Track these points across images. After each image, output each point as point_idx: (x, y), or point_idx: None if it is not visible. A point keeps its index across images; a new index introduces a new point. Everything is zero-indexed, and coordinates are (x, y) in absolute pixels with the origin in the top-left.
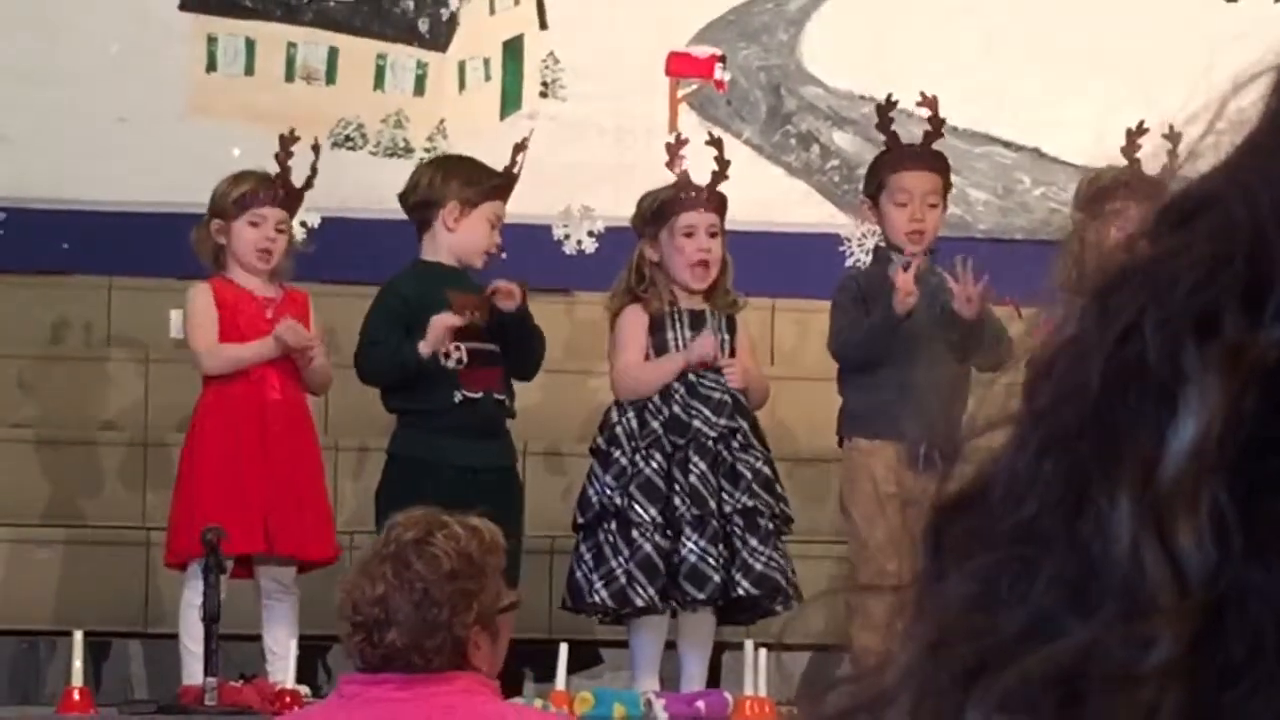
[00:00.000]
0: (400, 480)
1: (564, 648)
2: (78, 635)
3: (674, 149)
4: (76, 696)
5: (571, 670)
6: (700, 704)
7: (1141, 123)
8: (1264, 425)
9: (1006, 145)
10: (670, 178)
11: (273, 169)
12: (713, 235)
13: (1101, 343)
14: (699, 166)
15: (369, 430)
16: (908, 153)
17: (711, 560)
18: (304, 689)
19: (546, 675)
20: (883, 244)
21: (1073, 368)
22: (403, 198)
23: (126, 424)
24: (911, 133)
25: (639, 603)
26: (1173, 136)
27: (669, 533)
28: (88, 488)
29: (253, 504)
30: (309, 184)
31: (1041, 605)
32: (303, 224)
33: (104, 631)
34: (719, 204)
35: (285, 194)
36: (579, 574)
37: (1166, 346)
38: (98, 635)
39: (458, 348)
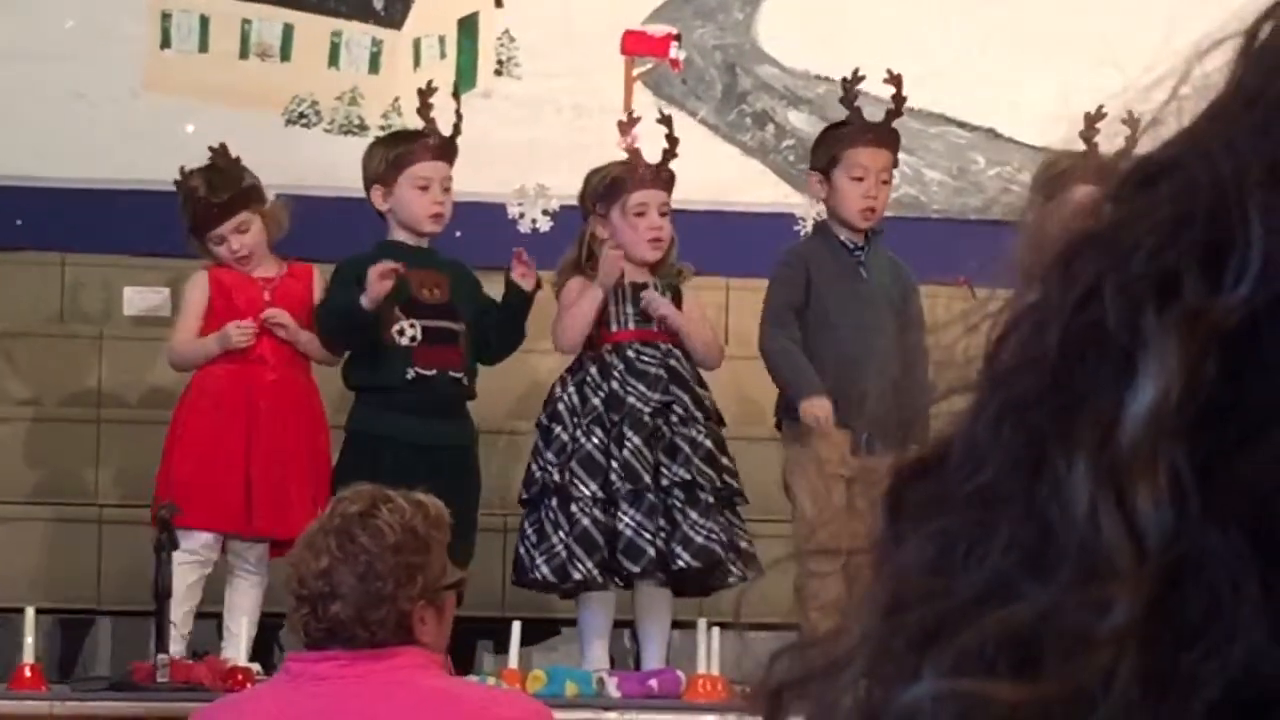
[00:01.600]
0: (356, 456)
1: (517, 625)
2: (30, 611)
3: (626, 126)
4: (29, 673)
5: (525, 647)
6: (653, 682)
7: (1100, 107)
8: (1222, 389)
9: (961, 125)
10: (622, 155)
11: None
12: (663, 213)
13: (1062, 307)
14: (648, 144)
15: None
16: (868, 129)
17: (647, 533)
18: (256, 666)
19: (500, 652)
20: (828, 220)
21: (1033, 332)
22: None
23: (81, 401)
24: (868, 111)
25: (577, 576)
26: (1131, 121)
27: (610, 508)
28: (39, 463)
29: (229, 483)
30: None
31: (998, 569)
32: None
33: (58, 609)
34: (668, 182)
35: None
36: (522, 549)
37: (1126, 310)
38: (52, 612)
39: (412, 324)
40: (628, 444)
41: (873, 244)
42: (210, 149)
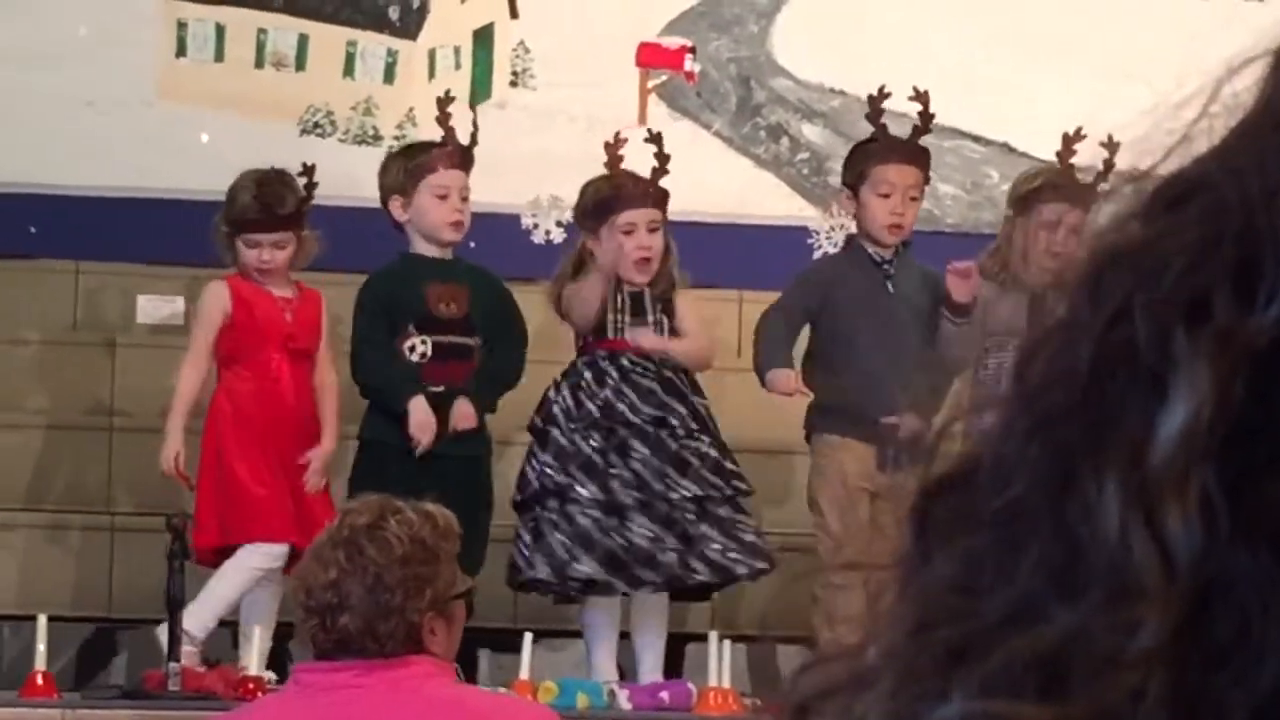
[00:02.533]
0: (369, 465)
1: (528, 636)
2: (42, 620)
3: (613, 148)
4: (40, 681)
5: (534, 659)
6: (664, 694)
7: (1079, 129)
8: (1252, 410)
9: (976, 139)
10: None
11: (240, 156)
12: (653, 230)
13: (1091, 326)
14: (644, 160)
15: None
16: (895, 146)
17: (666, 543)
18: (270, 675)
19: (509, 663)
20: (857, 235)
21: (1062, 350)
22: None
23: (93, 410)
24: (892, 128)
25: (578, 575)
26: (1110, 145)
27: (610, 514)
28: (52, 472)
29: (282, 494)
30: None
31: (1027, 588)
32: None
33: (70, 617)
34: (659, 198)
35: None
36: (516, 549)
37: (1156, 331)
38: (63, 620)
39: (424, 341)
40: (634, 453)
41: (901, 257)
42: (278, 168)
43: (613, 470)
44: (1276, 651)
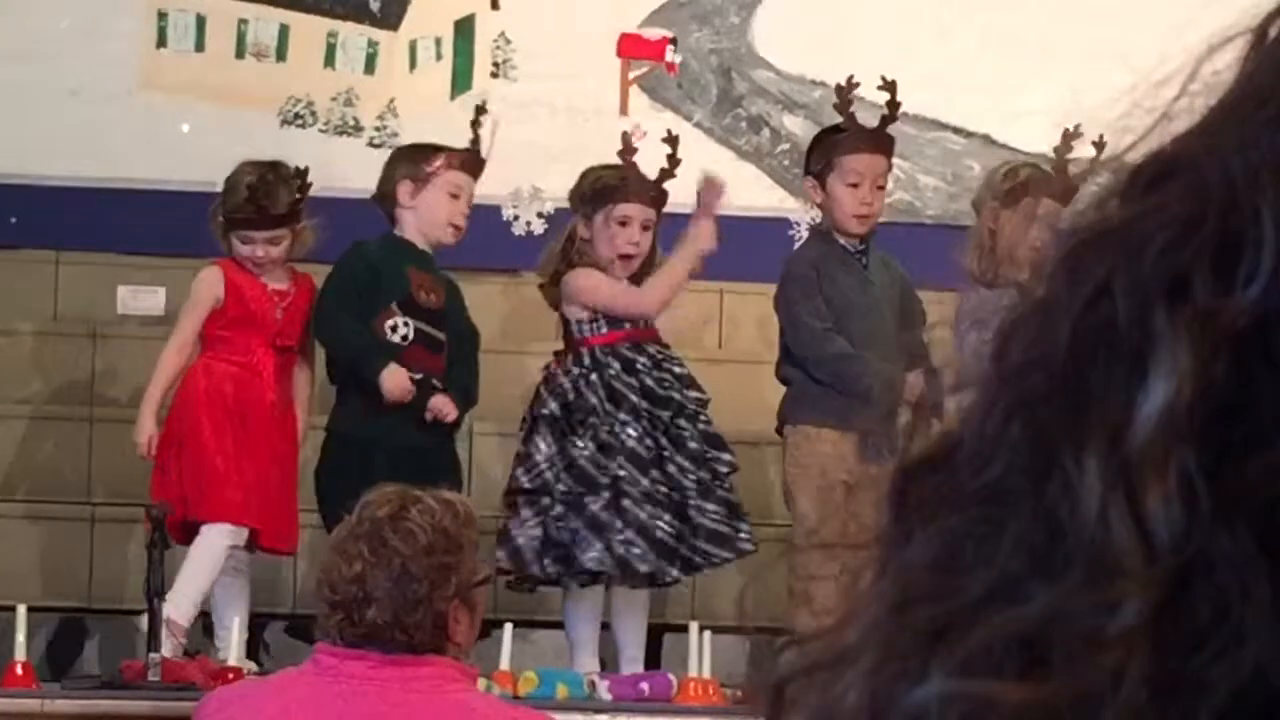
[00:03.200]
0: (339, 457)
1: (508, 627)
2: (21, 609)
3: (628, 139)
4: (20, 671)
5: (515, 649)
6: (644, 685)
7: (1078, 126)
8: (1233, 391)
9: (957, 131)
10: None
11: (221, 147)
12: (645, 229)
13: (1071, 305)
14: (652, 155)
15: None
16: (862, 135)
17: (660, 533)
18: (250, 665)
19: (489, 652)
20: (822, 226)
21: (1042, 330)
22: (376, 199)
23: (74, 400)
24: (862, 117)
25: (590, 564)
26: (1099, 145)
27: (622, 502)
28: (33, 463)
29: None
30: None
31: (1007, 568)
32: None
33: (49, 607)
34: (659, 200)
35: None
36: (527, 541)
37: (1137, 309)
38: (43, 610)
39: (406, 323)
40: (629, 440)
41: (869, 245)
42: (277, 161)
43: (617, 460)
44: (1256, 632)
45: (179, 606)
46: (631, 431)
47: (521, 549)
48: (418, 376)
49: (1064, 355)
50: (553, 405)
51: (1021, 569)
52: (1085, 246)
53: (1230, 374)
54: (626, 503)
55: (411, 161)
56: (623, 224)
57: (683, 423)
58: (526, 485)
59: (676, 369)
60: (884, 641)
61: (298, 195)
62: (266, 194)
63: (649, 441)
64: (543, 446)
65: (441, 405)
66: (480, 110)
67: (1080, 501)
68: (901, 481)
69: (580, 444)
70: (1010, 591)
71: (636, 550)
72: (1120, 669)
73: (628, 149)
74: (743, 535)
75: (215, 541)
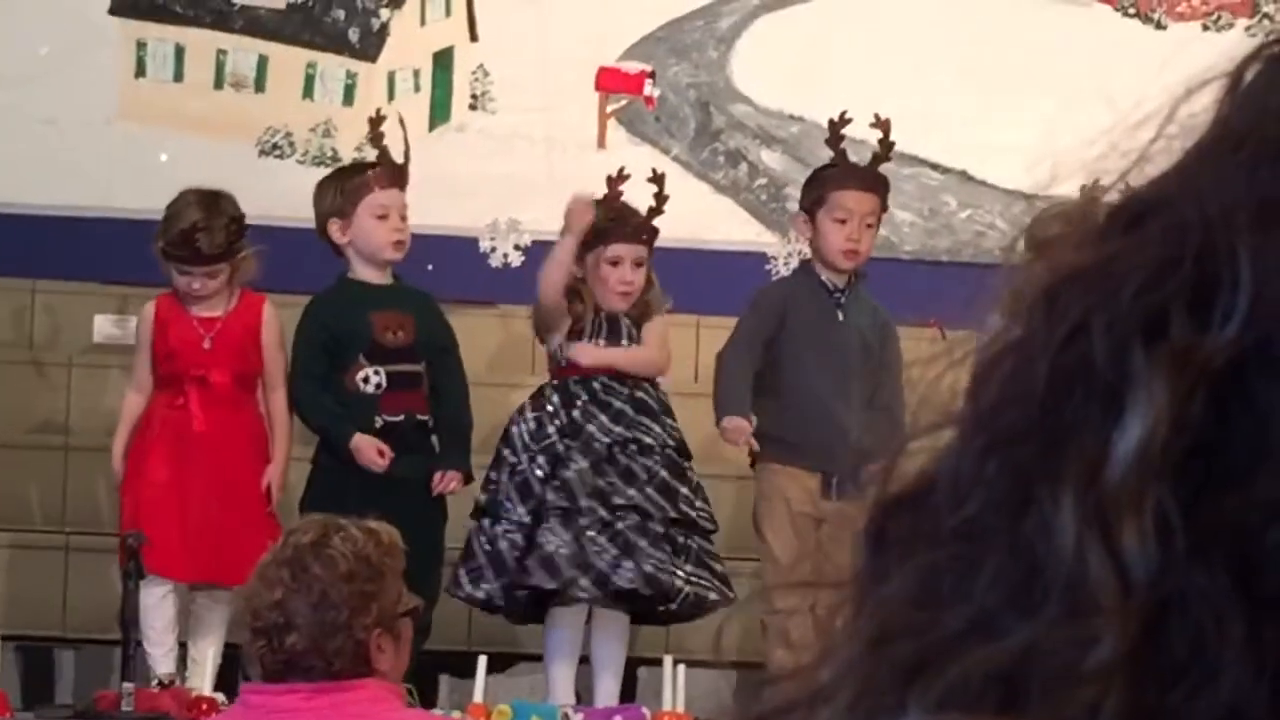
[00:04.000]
0: (323, 489)
1: (483, 660)
2: None
3: (614, 183)
4: None
5: (489, 682)
6: (618, 718)
7: (1097, 180)
8: (1209, 429)
9: (934, 167)
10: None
11: (199, 176)
12: (637, 266)
13: (1048, 343)
14: (634, 192)
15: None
16: (854, 172)
17: (565, 552)
18: (221, 697)
19: (463, 685)
20: (811, 260)
21: (1019, 368)
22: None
23: (49, 428)
24: (852, 154)
25: (479, 595)
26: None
27: (530, 531)
28: (7, 491)
29: (176, 531)
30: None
31: (984, 604)
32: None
33: (23, 635)
34: (650, 237)
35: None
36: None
37: (1113, 348)
38: (17, 639)
39: (377, 372)
40: (573, 464)
41: (854, 287)
42: (219, 193)
43: (554, 483)
44: (1231, 667)
45: (156, 657)
46: (539, 465)
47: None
48: (397, 419)
49: (1041, 393)
50: (501, 443)
51: (999, 604)
52: (1062, 286)
53: (1206, 412)
54: (497, 529)
55: (330, 197)
56: (614, 264)
57: (575, 455)
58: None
59: (615, 403)
60: (861, 677)
61: (237, 229)
62: (203, 234)
63: (551, 473)
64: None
65: (446, 484)
66: (376, 121)
67: (1057, 538)
68: (879, 519)
69: (491, 474)
70: (988, 627)
71: (483, 579)
72: (1097, 704)
73: (613, 193)
74: (565, 574)
75: (148, 597)
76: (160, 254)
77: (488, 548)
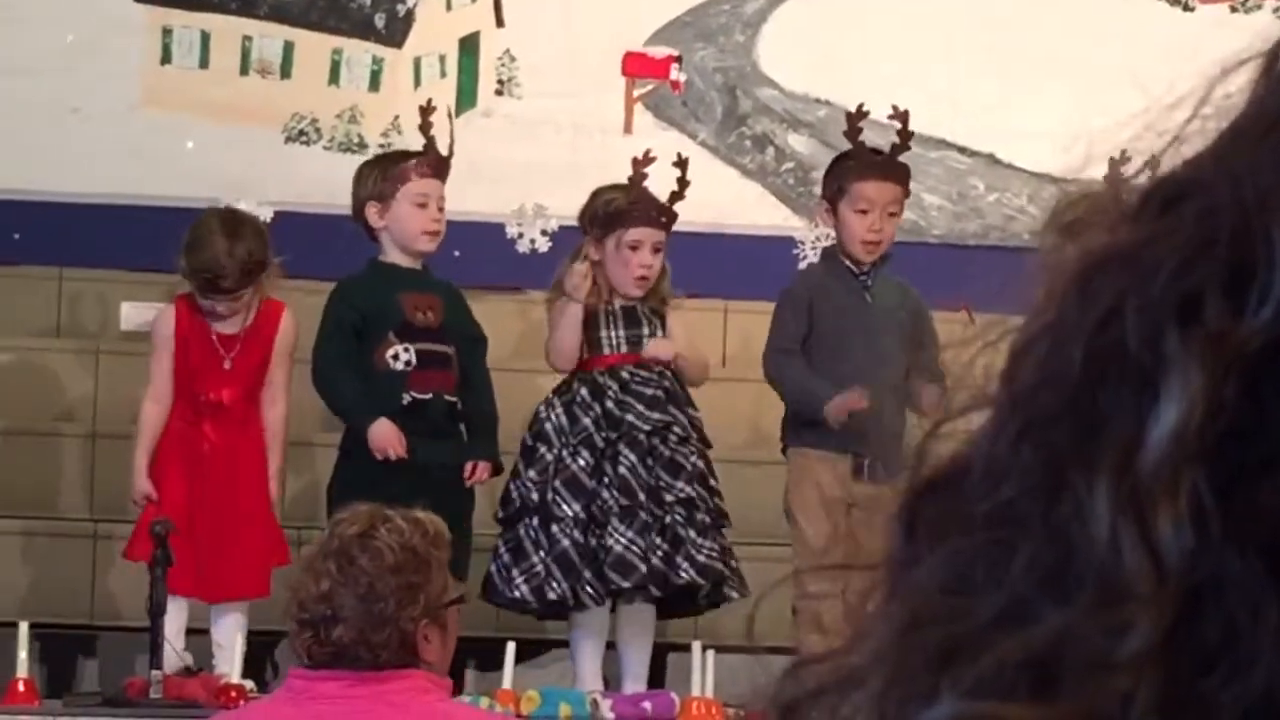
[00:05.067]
0: (351, 476)
1: (511, 646)
2: (23, 627)
3: (639, 164)
4: (21, 688)
5: (517, 667)
6: (647, 704)
7: (1124, 151)
8: (1244, 413)
9: (961, 151)
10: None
11: (225, 163)
12: (656, 251)
13: (1082, 327)
14: (659, 175)
15: (311, 425)
16: (874, 162)
17: (638, 549)
18: (249, 684)
19: (490, 672)
20: (835, 247)
21: (1052, 352)
22: (353, 220)
23: (76, 416)
24: (872, 140)
25: (551, 597)
26: (1121, 160)
27: (593, 528)
28: (35, 479)
29: (190, 551)
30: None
31: (1017, 590)
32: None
33: (51, 624)
34: (669, 221)
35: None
36: (495, 568)
37: (1148, 332)
38: (45, 628)
39: (406, 349)
40: (623, 461)
41: (879, 269)
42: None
43: (605, 480)
44: (1266, 654)
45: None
46: (582, 457)
47: (491, 575)
48: (425, 396)
49: (1075, 377)
50: (526, 435)
51: (1032, 591)
52: (1096, 269)
53: (1241, 396)
54: (554, 529)
55: (371, 181)
56: (634, 248)
57: (623, 448)
58: (500, 514)
59: (648, 391)
60: (893, 663)
61: (260, 259)
62: (228, 268)
63: (597, 466)
64: (517, 475)
65: (478, 475)
66: (426, 110)
67: (1091, 523)
68: (912, 503)
69: (529, 471)
70: (1021, 613)
71: (552, 578)
72: (1130, 691)
73: (638, 175)
74: (726, 594)
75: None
76: (182, 271)
77: (547, 548)
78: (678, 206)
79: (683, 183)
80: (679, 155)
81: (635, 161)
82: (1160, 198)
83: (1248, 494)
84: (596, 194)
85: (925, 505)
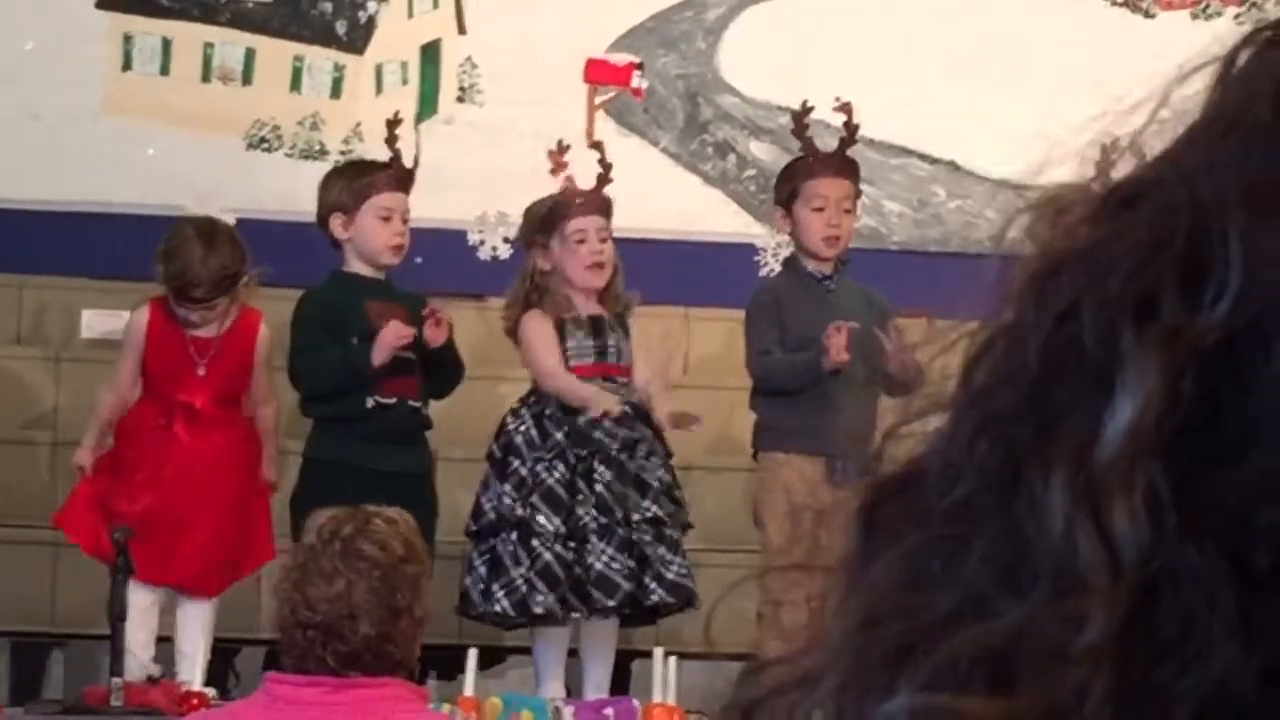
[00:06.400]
0: (316, 484)
1: (473, 653)
2: None
3: (557, 155)
4: None
5: (479, 675)
6: (609, 711)
7: (1116, 140)
8: (1200, 408)
9: (922, 158)
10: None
11: (186, 170)
12: (603, 239)
13: (1039, 325)
14: (585, 170)
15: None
16: (823, 159)
17: (617, 567)
18: (211, 691)
19: (450, 679)
20: (796, 252)
21: (1010, 350)
22: (318, 228)
23: (39, 424)
24: (826, 143)
25: (538, 610)
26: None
27: (570, 543)
28: None
29: (163, 538)
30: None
31: (974, 584)
32: None
33: (15, 631)
34: (605, 207)
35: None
36: (470, 580)
37: (1104, 328)
38: (9, 635)
39: None
40: (599, 478)
41: (841, 274)
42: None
43: (579, 497)
44: (1221, 646)
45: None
46: (557, 471)
47: (468, 589)
48: (390, 401)
49: (1032, 375)
50: (493, 446)
51: (989, 585)
52: (1054, 269)
53: (1197, 391)
54: (534, 542)
55: (336, 191)
56: (580, 240)
57: (597, 464)
58: (473, 527)
59: (629, 405)
60: (851, 659)
61: (238, 269)
62: (207, 283)
63: (570, 481)
64: (488, 487)
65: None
66: (392, 123)
67: (1047, 518)
68: (871, 503)
69: (503, 485)
70: (977, 607)
71: (537, 591)
72: (1086, 683)
73: (557, 165)
74: (624, 588)
75: (137, 600)
76: (158, 280)
77: (528, 562)
78: (634, 213)
79: (605, 164)
80: (589, 138)
81: (552, 154)
82: (1117, 199)
83: (1204, 487)
84: (528, 208)
85: (884, 504)
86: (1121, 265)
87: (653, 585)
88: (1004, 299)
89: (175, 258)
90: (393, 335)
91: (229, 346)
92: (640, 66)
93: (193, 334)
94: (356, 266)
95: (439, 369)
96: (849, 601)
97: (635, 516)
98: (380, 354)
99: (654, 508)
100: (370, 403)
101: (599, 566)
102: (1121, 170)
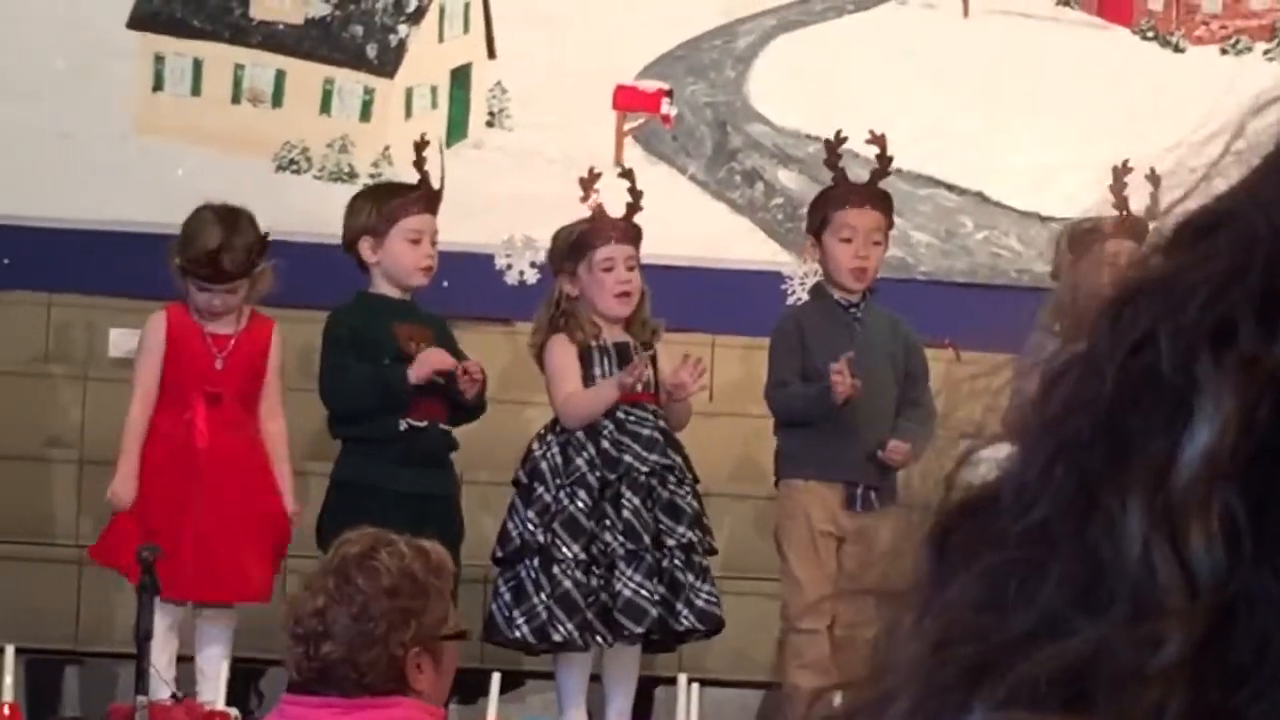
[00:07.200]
0: (343, 505)
1: (496, 677)
2: (9, 651)
3: (588, 183)
4: (6, 712)
5: (502, 700)
6: None
7: (1126, 161)
8: (1275, 434)
9: (950, 188)
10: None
11: (216, 191)
12: (630, 268)
13: (1114, 353)
14: (615, 198)
15: (301, 453)
16: (854, 190)
17: (646, 594)
18: (234, 711)
19: (476, 704)
20: (823, 281)
21: (1084, 378)
22: (344, 250)
23: (64, 442)
24: (857, 173)
25: (557, 638)
26: (1154, 178)
27: (595, 569)
28: (23, 504)
29: (183, 552)
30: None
31: (1050, 605)
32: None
33: (38, 648)
34: (634, 236)
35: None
36: (496, 607)
37: (1181, 356)
38: (31, 652)
39: None
40: (626, 504)
41: (868, 301)
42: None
43: (605, 523)
44: None
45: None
46: (580, 499)
47: (493, 614)
48: (421, 424)
49: (1107, 401)
50: (519, 472)
51: (1065, 607)
52: (1129, 299)
53: (1273, 418)
54: (555, 570)
55: (365, 215)
56: (608, 269)
57: (625, 490)
58: (499, 553)
59: (644, 431)
60: (925, 680)
61: (259, 248)
62: (226, 253)
63: (596, 507)
64: (515, 512)
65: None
66: (420, 146)
67: (1123, 541)
68: (941, 527)
69: (528, 511)
70: (1054, 628)
71: (557, 619)
72: (1161, 704)
73: (588, 193)
74: (652, 614)
75: (159, 621)
76: (178, 270)
77: (549, 589)
78: (658, 236)
79: (634, 193)
80: (621, 167)
81: (583, 181)
82: (1193, 229)
83: (1279, 513)
84: (557, 233)
85: (955, 529)
86: (1199, 293)
87: (684, 611)
88: (1076, 328)
89: (197, 238)
90: (437, 359)
91: (245, 344)
92: (669, 93)
93: (210, 330)
94: (383, 288)
95: (461, 407)
96: (921, 624)
97: (670, 542)
98: (420, 371)
99: (689, 534)
100: (403, 425)
101: (627, 593)
102: (1196, 201)
